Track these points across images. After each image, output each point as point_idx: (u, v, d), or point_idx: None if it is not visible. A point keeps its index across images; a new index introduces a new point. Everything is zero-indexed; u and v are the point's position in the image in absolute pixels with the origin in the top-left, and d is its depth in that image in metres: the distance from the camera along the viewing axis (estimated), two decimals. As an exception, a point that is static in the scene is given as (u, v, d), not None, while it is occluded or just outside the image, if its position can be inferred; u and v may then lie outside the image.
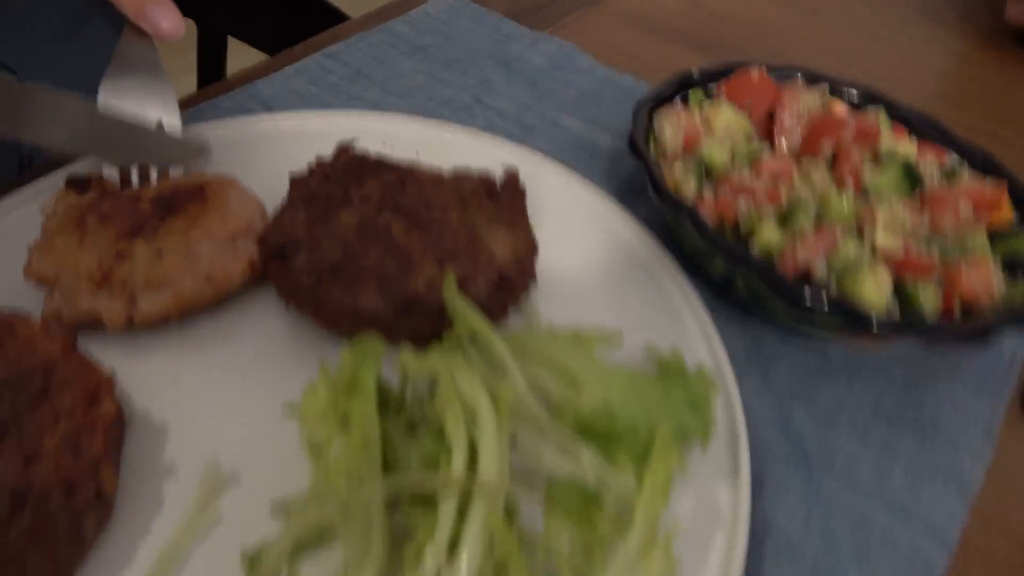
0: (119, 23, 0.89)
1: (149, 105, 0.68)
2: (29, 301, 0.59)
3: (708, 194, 0.66)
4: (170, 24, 0.64)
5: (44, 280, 0.58)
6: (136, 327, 0.58)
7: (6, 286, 0.61)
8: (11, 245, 0.63)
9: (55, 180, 0.70)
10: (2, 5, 0.86)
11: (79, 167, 0.70)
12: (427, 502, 0.49)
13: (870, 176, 0.64)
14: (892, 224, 0.59)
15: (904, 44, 1.15)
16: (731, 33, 1.13)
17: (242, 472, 0.54)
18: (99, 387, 0.53)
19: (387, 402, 0.53)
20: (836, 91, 0.77)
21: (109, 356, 0.58)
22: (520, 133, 0.88)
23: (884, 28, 1.18)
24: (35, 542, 0.45)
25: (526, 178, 0.73)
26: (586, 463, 0.50)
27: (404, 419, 0.52)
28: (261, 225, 0.63)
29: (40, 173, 0.74)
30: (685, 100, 0.76)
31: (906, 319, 0.58)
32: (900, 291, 0.60)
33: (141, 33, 0.67)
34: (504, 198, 0.68)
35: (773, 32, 1.14)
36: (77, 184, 0.65)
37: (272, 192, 0.70)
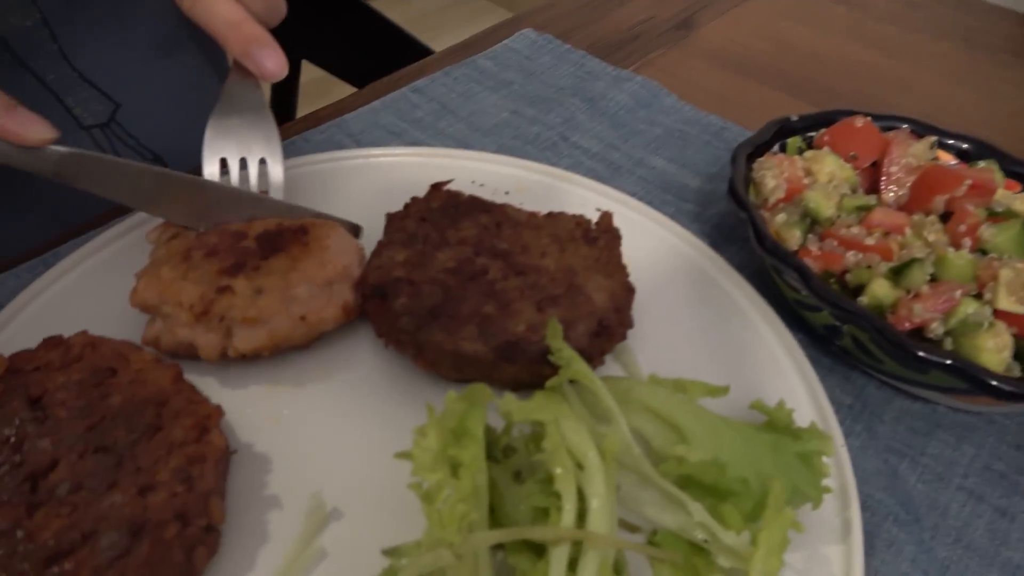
0: (209, 49, 0.92)
1: (253, 144, 0.70)
2: (128, 324, 0.61)
3: (813, 245, 0.65)
4: (274, 64, 0.66)
5: (148, 308, 0.60)
6: (229, 360, 0.60)
7: (110, 311, 0.63)
8: (116, 272, 0.66)
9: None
10: (98, 32, 0.90)
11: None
12: (534, 549, 0.48)
13: (988, 234, 0.61)
14: (1014, 285, 0.57)
15: (1000, 90, 1.12)
16: (820, 74, 1.11)
17: (344, 508, 0.54)
18: (208, 419, 0.54)
19: (493, 447, 0.52)
20: (944, 144, 0.75)
21: (208, 388, 0.59)
22: (607, 172, 0.88)
23: (978, 73, 1.15)
24: (151, 572, 0.46)
25: (618, 220, 0.73)
26: (695, 516, 0.49)
27: (510, 465, 0.52)
28: (358, 270, 0.64)
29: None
30: (783, 147, 0.75)
31: (1027, 381, 0.56)
32: (1021, 352, 0.57)
33: (246, 73, 0.69)
34: (599, 242, 0.68)
35: (864, 74, 1.12)
36: None
37: (366, 226, 0.72)
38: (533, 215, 0.70)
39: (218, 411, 0.54)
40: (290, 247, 0.62)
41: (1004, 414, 0.65)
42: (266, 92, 0.73)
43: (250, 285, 0.59)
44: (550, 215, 0.71)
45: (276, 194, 0.68)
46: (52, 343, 0.56)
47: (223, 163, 0.68)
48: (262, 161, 0.69)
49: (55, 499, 0.47)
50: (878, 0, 1.31)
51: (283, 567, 0.50)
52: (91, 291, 0.66)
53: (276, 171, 0.69)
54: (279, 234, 0.63)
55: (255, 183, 0.69)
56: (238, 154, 0.68)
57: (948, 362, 0.54)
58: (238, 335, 0.59)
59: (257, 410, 0.60)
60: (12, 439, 0.50)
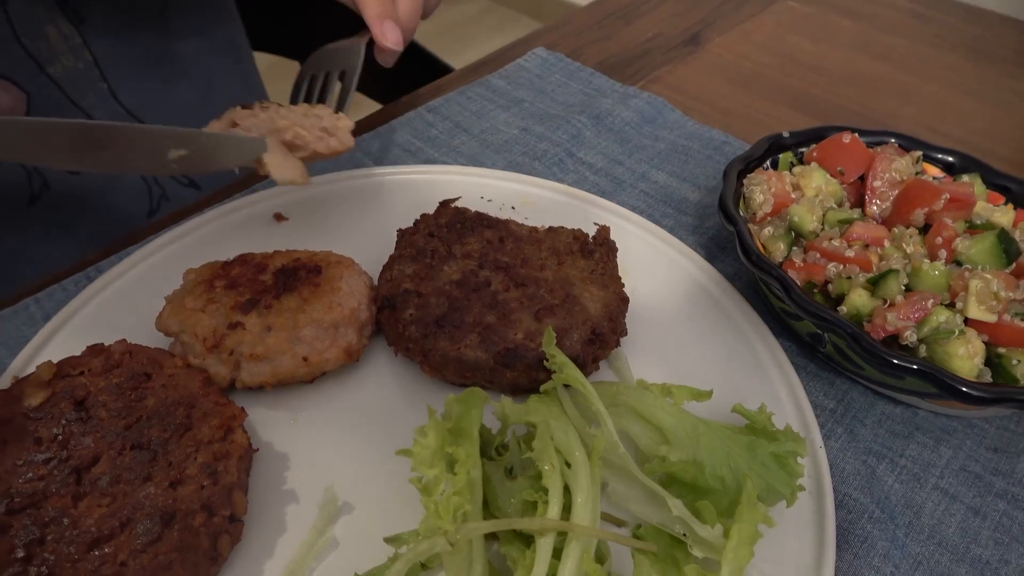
0: (249, 81, 1.00)
1: (337, 65, 0.79)
2: (160, 333, 0.67)
3: (797, 257, 0.68)
4: (394, 38, 0.74)
5: (169, 333, 0.66)
6: (237, 389, 0.64)
7: (145, 321, 0.68)
8: (150, 285, 0.72)
9: (186, 228, 0.79)
10: (145, 71, 0.97)
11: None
12: (524, 539, 0.53)
13: (963, 246, 0.64)
14: (984, 295, 0.60)
15: (1005, 100, 1.14)
16: (824, 86, 1.14)
17: (354, 501, 0.59)
18: (233, 420, 0.59)
19: (488, 446, 0.57)
20: (930, 157, 0.78)
21: (232, 392, 0.65)
22: (610, 187, 0.93)
23: (984, 83, 1.17)
24: (181, 556, 0.51)
25: (616, 233, 0.77)
26: (673, 511, 0.53)
27: (503, 462, 0.56)
28: (366, 314, 0.67)
29: (171, 219, 0.83)
30: (775, 163, 0.79)
31: (997, 386, 0.59)
32: (993, 358, 0.60)
33: (364, 35, 0.77)
34: (596, 254, 0.73)
35: (869, 86, 1.15)
36: None
37: (378, 239, 0.77)
38: (534, 229, 0.75)
39: (242, 412, 0.60)
40: (302, 287, 0.66)
41: (983, 418, 0.67)
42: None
43: (261, 322, 0.63)
44: (550, 229, 0.75)
45: (347, 98, 0.77)
46: (95, 350, 0.62)
47: (312, 79, 0.79)
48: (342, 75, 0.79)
49: (97, 490, 0.53)
50: (885, 12, 1.33)
51: (299, 554, 0.55)
52: (128, 303, 0.72)
53: (351, 81, 0.78)
54: (295, 271, 0.67)
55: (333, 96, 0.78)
56: (325, 69, 0.79)
57: (916, 367, 0.58)
58: (245, 369, 0.63)
59: (277, 412, 0.65)
60: (60, 436, 0.56)
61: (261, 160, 0.69)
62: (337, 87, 0.79)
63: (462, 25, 4.07)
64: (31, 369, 0.65)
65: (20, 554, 0.50)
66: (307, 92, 0.79)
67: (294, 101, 0.77)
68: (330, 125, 0.71)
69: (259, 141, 0.68)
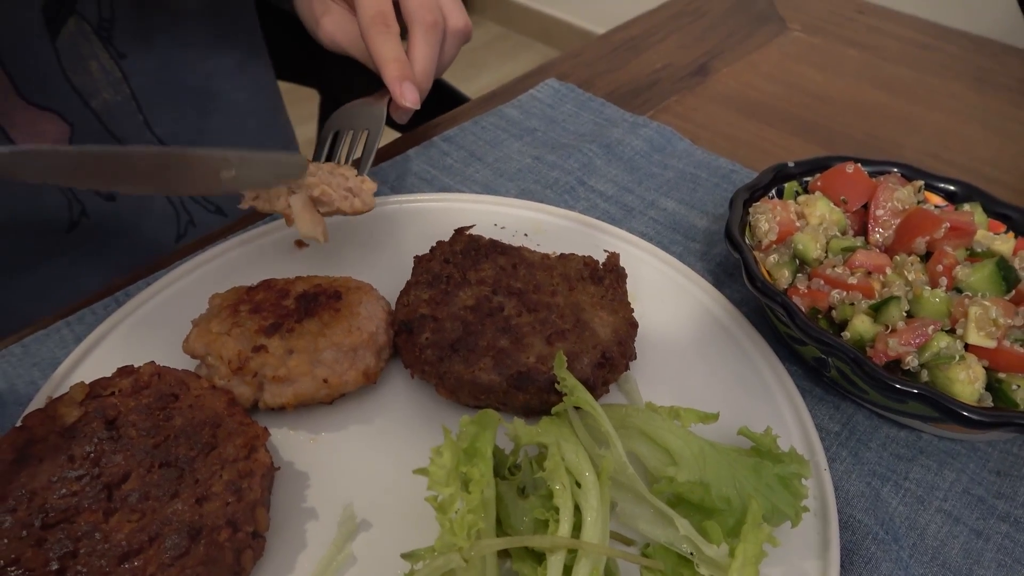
0: (273, 110, 1.04)
1: (360, 124, 0.81)
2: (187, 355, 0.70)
3: (801, 283, 0.70)
4: (412, 98, 0.77)
5: (196, 356, 0.68)
6: (260, 410, 0.67)
7: (173, 344, 0.71)
8: (177, 309, 0.75)
9: (210, 254, 0.82)
10: (180, 104, 1.01)
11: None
12: (535, 556, 0.55)
13: (963, 273, 0.66)
14: (984, 322, 0.61)
15: (1009, 129, 1.16)
16: (829, 116, 1.17)
17: (372, 519, 0.61)
18: (256, 439, 0.62)
19: (501, 466, 0.59)
20: (932, 186, 0.80)
21: (255, 412, 0.68)
22: (620, 215, 0.95)
23: (988, 112, 1.19)
24: (207, 570, 0.53)
25: (626, 259, 0.79)
26: (681, 530, 0.55)
27: (516, 481, 0.58)
28: (383, 338, 0.70)
29: (196, 246, 0.86)
30: (780, 191, 0.81)
31: (998, 411, 0.60)
32: (994, 383, 0.62)
33: (380, 97, 0.80)
34: (606, 280, 0.75)
35: (874, 115, 1.17)
36: None
37: (395, 265, 0.80)
38: (546, 256, 0.78)
39: (264, 432, 0.62)
40: (323, 312, 0.69)
41: (987, 442, 0.69)
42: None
43: (283, 346, 0.66)
44: (562, 256, 0.78)
45: (368, 160, 0.79)
46: (125, 371, 0.65)
47: (334, 136, 0.82)
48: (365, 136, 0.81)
49: (127, 506, 0.56)
50: (890, 43, 1.36)
51: (319, 570, 0.57)
52: (156, 326, 0.75)
53: (372, 144, 0.80)
54: (316, 297, 0.70)
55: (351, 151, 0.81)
56: (348, 128, 0.81)
57: (917, 391, 0.59)
58: (268, 390, 0.66)
59: (297, 432, 0.67)
60: (92, 454, 0.59)
61: (288, 213, 0.73)
62: (360, 146, 0.82)
63: (474, 51, 4.15)
64: (63, 389, 0.67)
65: (54, 566, 0.52)
66: (329, 150, 0.82)
67: (317, 157, 0.80)
68: (355, 186, 0.75)
69: (299, 159, 0.72)
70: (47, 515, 0.54)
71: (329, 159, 0.81)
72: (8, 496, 0.55)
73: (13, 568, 0.52)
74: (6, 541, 0.53)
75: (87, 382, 0.64)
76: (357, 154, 0.81)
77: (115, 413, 0.62)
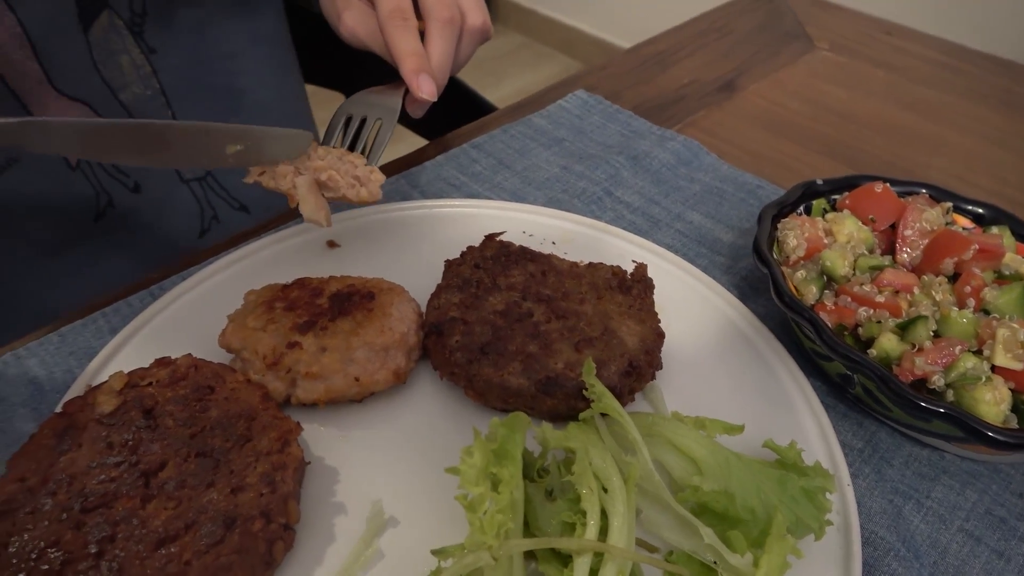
0: (297, 109, 1.05)
1: (374, 112, 0.80)
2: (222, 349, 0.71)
3: (828, 300, 0.71)
4: (429, 90, 0.77)
5: (231, 350, 0.70)
6: (292, 405, 0.68)
7: (208, 337, 0.72)
8: (211, 303, 0.77)
9: (245, 251, 0.83)
10: (208, 100, 1.03)
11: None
12: (562, 559, 0.56)
13: (991, 295, 0.67)
14: (1011, 344, 0.62)
15: (1033, 152, 1.16)
16: (855, 135, 1.18)
17: (399, 516, 0.62)
18: (289, 433, 0.63)
19: (530, 468, 0.60)
20: (960, 208, 0.81)
21: (287, 408, 0.69)
22: (647, 226, 0.96)
23: (1014, 134, 1.19)
24: (240, 558, 0.54)
25: (652, 270, 0.80)
26: (705, 539, 0.55)
27: (544, 484, 0.59)
28: (414, 338, 0.71)
29: (229, 244, 0.88)
30: (808, 208, 0.82)
31: (1023, 432, 0.61)
32: (1019, 405, 0.62)
33: (397, 87, 0.80)
34: (634, 290, 0.76)
35: (899, 136, 1.18)
36: None
37: (426, 269, 0.81)
38: (575, 264, 0.79)
39: (297, 427, 0.64)
40: (356, 311, 0.70)
41: (1010, 464, 0.69)
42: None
43: (316, 343, 0.67)
44: (590, 265, 0.79)
45: (379, 150, 0.78)
46: (163, 363, 0.67)
47: (347, 120, 0.80)
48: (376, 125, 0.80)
49: (164, 494, 0.57)
50: (918, 64, 1.36)
51: (346, 564, 0.59)
52: (191, 320, 0.76)
53: (385, 134, 0.79)
54: (349, 296, 0.72)
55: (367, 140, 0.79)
56: (360, 115, 0.80)
57: (943, 411, 0.60)
58: (301, 386, 0.67)
59: (328, 428, 0.69)
60: (130, 443, 0.60)
61: (292, 193, 0.73)
62: (372, 135, 0.81)
63: (496, 59, 4.18)
64: (101, 379, 0.69)
65: (93, 549, 0.53)
66: (341, 134, 0.81)
67: (327, 141, 0.80)
68: (363, 175, 0.75)
69: (305, 135, 0.73)
70: (86, 499, 0.56)
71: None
72: (49, 479, 0.57)
73: (53, 549, 0.53)
74: (47, 523, 0.54)
75: (125, 372, 0.66)
76: (369, 142, 0.81)
77: (152, 403, 0.63)
